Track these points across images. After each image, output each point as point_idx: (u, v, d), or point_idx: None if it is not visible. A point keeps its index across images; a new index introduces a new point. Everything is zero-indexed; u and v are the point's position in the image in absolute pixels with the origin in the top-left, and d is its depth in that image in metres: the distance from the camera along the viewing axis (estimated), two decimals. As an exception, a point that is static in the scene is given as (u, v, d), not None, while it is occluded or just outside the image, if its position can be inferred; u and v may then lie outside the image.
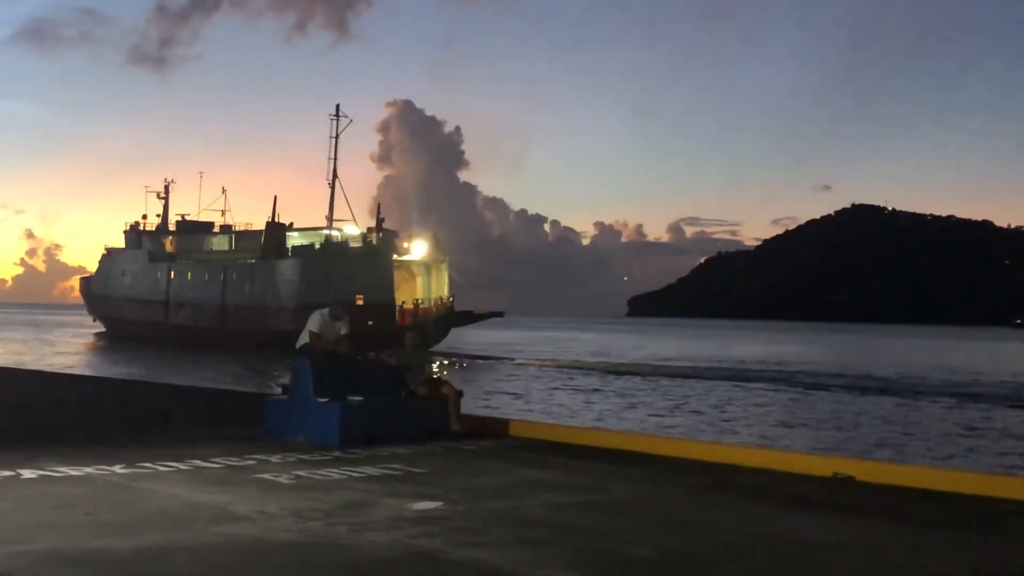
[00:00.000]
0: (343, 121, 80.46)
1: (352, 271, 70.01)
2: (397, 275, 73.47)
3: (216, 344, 71.93)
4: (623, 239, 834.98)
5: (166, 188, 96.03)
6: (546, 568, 6.75)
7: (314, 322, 13.87)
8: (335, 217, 79.86)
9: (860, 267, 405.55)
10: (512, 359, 68.52)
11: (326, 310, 14.09)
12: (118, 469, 10.39)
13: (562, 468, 11.30)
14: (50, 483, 9.58)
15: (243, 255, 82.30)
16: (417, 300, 73.28)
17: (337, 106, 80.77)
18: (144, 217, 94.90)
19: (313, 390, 13.00)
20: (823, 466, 11.33)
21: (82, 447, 11.78)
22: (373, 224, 76.54)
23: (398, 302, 71.38)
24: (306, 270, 74.10)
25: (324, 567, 6.69)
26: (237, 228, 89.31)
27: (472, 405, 19.61)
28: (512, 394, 40.48)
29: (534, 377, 51.68)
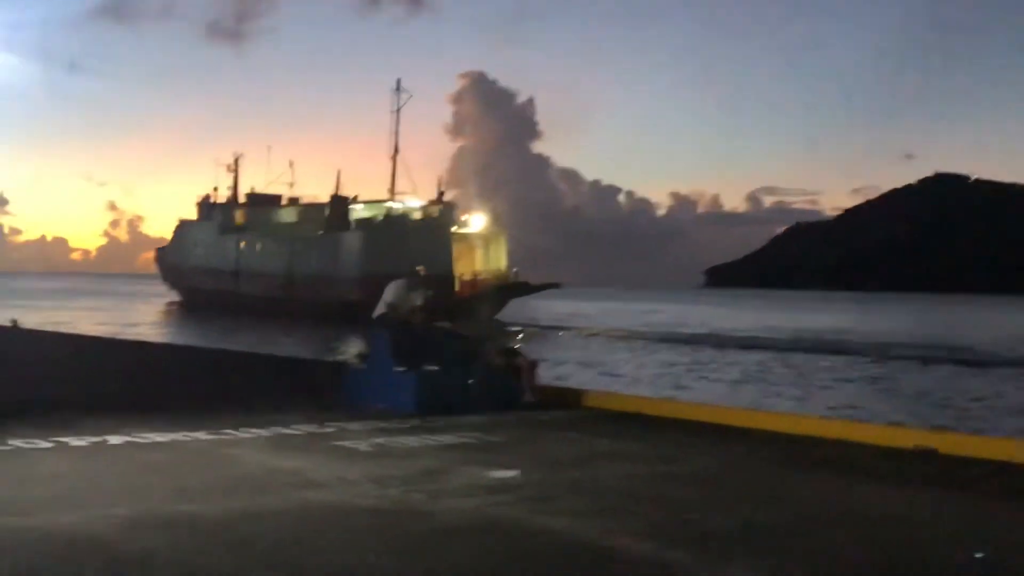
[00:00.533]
0: (404, 95, 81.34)
1: (412, 243, 69.80)
2: (457, 247, 73.98)
3: (282, 313, 73.42)
4: (699, 210, 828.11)
5: (236, 162, 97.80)
6: (621, 537, 6.77)
7: (391, 293, 13.98)
8: (398, 190, 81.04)
9: (943, 237, 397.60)
10: (582, 329, 68.51)
11: (403, 281, 14.19)
12: (202, 435, 10.61)
13: (638, 439, 11.28)
14: (137, 449, 9.82)
15: (308, 227, 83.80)
16: (475, 272, 73.89)
17: (398, 80, 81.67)
18: (215, 190, 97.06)
19: (390, 359, 13.13)
20: (904, 438, 11.17)
21: (167, 414, 12.04)
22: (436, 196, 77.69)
23: (457, 274, 72.01)
24: (368, 242, 75.15)
25: (403, 533, 6.78)
26: (304, 201, 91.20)
27: (546, 376, 19.65)
28: (585, 364, 40.48)
29: (608, 348, 51.61)
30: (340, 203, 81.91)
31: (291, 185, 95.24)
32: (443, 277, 67.97)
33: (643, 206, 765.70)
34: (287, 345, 44.97)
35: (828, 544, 6.82)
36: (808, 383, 35.14)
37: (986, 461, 10.21)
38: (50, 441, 9.98)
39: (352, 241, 77.25)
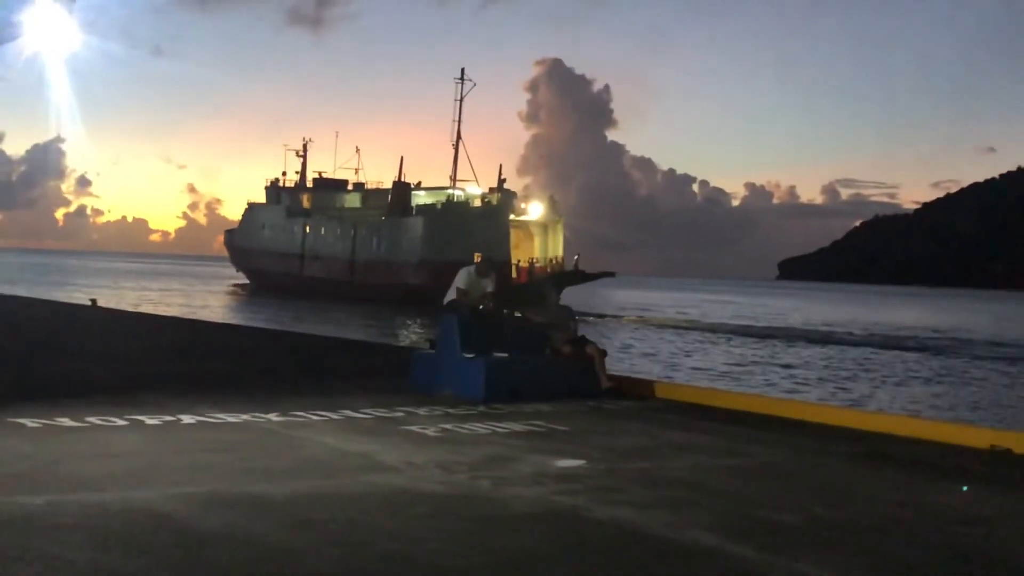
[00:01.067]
0: (467, 84, 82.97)
1: (471, 230, 71.77)
2: (516, 235, 75.59)
3: (345, 296, 76.35)
4: (775, 200, 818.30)
5: (304, 147, 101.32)
6: (687, 529, 6.73)
7: (461, 279, 14.01)
8: (459, 177, 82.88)
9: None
10: (641, 318, 68.25)
11: (473, 267, 14.22)
12: (273, 417, 10.74)
13: (706, 431, 11.20)
14: (209, 429, 9.98)
15: (372, 212, 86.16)
16: (532, 259, 74.96)
17: (462, 70, 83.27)
18: (284, 174, 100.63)
19: (459, 345, 13.18)
20: (979, 438, 10.96)
21: (239, 395, 12.22)
22: (506, 185, 78.77)
23: (515, 261, 73.09)
24: (428, 228, 76.99)
25: (468, 519, 6.81)
26: (368, 186, 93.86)
27: (615, 365, 19.59)
28: (653, 355, 40.32)
29: (677, 339, 51.33)
30: (402, 189, 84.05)
31: (357, 171, 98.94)
32: (500, 264, 69.20)
33: (718, 196, 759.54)
34: (348, 328, 45.49)
35: (897, 542, 6.72)
36: (881, 379, 34.66)
37: (1064, 463, 9.99)
38: (125, 419, 10.17)
39: (413, 227, 79.04)
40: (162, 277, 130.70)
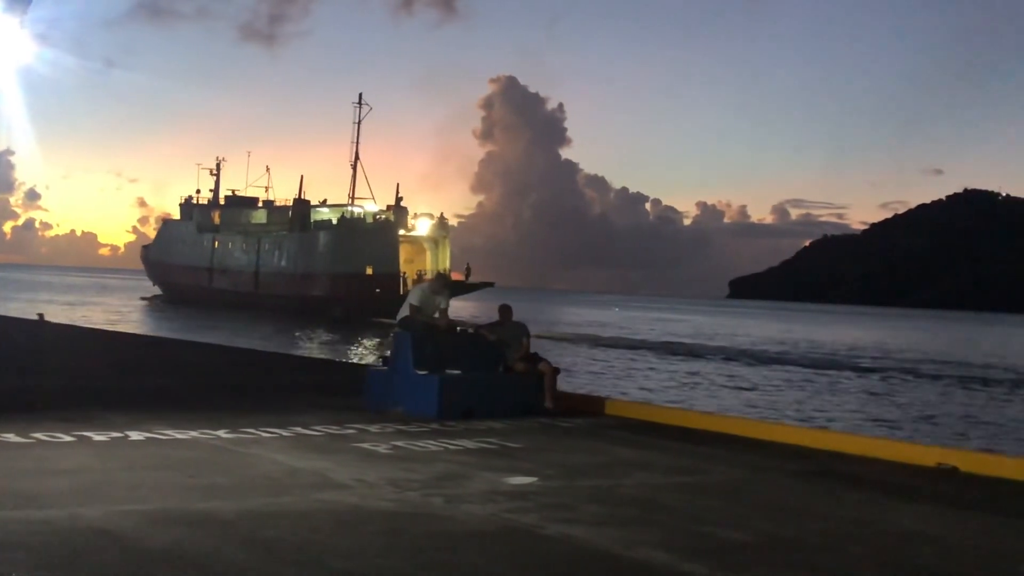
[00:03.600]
0: (364, 108, 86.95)
1: (363, 244, 77.79)
2: (410, 249, 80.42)
3: (250, 307, 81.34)
4: (726, 220, 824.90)
5: (218, 166, 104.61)
6: (639, 547, 6.74)
7: (415, 296, 13.97)
8: (357, 195, 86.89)
9: (971, 254, 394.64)
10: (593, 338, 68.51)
11: (427, 284, 14.19)
12: (222, 434, 10.64)
13: (658, 449, 11.24)
14: (157, 445, 9.86)
15: (275, 228, 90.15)
16: (420, 271, 78.54)
17: (360, 95, 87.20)
18: (198, 191, 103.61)
19: (413, 362, 13.12)
20: (926, 456, 11.10)
21: (187, 411, 12.08)
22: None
23: (403, 272, 77.21)
24: (327, 242, 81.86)
25: (420, 536, 6.77)
26: (277, 203, 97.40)
27: (567, 383, 19.59)
28: (606, 373, 40.43)
29: (631, 358, 51.52)
30: (302, 206, 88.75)
31: (267, 188, 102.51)
32: (389, 275, 75.71)
33: (670, 215, 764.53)
34: (266, 340, 45.50)
35: (848, 560, 6.78)
36: (829, 398, 34.98)
37: (1007, 480, 10.14)
38: (72, 435, 10.03)
39: (313, 241, 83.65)
40: (106, 291, 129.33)
